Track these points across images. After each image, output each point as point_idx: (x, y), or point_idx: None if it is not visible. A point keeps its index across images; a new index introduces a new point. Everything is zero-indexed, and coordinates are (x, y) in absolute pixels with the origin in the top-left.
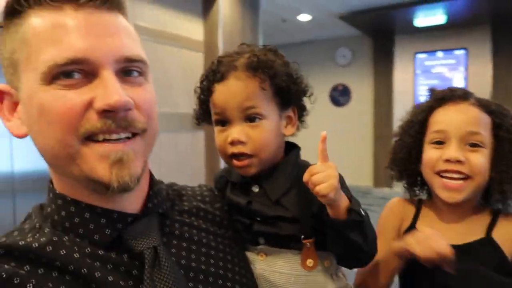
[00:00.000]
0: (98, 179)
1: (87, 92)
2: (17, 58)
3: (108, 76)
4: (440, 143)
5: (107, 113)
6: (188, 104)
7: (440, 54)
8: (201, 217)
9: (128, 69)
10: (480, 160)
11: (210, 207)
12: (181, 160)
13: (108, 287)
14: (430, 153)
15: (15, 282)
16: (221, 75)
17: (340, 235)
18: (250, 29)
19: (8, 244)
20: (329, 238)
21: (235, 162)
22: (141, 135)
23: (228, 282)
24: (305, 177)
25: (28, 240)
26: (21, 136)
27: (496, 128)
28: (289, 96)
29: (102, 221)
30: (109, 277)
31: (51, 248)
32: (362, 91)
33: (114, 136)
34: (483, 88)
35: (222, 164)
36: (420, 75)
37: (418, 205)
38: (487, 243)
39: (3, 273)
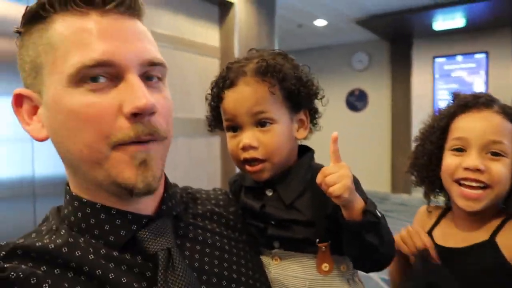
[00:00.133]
0: (124, 182)
1: (115, 96)
2: (41, 62)
3: (134, 79)
4: (460, 150)
5: (135, 117)
6: (204, 110)
7: (459, 58)
8: (215, 221)
9: (149, 74)
10: (500, 169)
11: (224, 211)
12: (196, 165)
13: None
14: (449, 160)
15: (32, 282)
16: (231, 82)
17: (356, 237)
18: (266, 35)
19: (25, 245)
20: (344, 240)
21: (248, 167)
22: (162, 140)
23: (241, 286)
24: (318, 179)
25: (45, 241)
26: (40, 140)
27: None
28: (300, 99)
29: (117, 222)
30: (123, 279)
31: (66, 250)
32: (379, 96)
33: (140, 139)
34: (505, 92)
35: (237, 169)
36: (439, 80)
37: (443, 213)
38: (488, 246)
39: (20, 273)
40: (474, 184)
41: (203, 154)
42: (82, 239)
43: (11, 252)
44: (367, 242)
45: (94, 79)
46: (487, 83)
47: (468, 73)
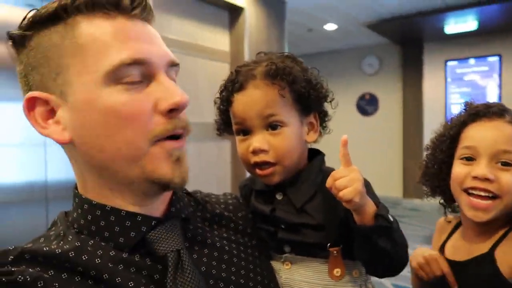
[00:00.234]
0: (159, 177)
1: (149, 95)
2: (65, 63)
3: (165, 78)
4: (470, 159)
5: (171, 112)
6: (214, 114)
7: (472, 61)
8: (224, 225)
9: (168, 74)
10: (510, 179)
11: (234, 216)
12: (206, 169)
13: None
14: (458, 169)
15: (39, 285)
16: (240, 85)
17: (368, 241)
18: (276, 40)
19: (33, 249)
20: (355, 244)
21: (258, 171)
22: (186, 137)
23: None
24: (328, 182)
25: (53, 246)
26: (64, 142)
27: None
28: (309, 102)
29: (127, 224)
30: (130, 283)
31: (73, 254)
32: (390, 100)
33: (177, 132)
34: None
35: (248, 173)
36: (451, 83)
37: (457, 225)
38: (486, 259)
39: (27, 276)
40: (482, 193)
41: (213, 158)
42: (92, 241)
43: (19, 256)
44: (379, 247)
45: (129, 78)
46: (500, 86)
47: (481, 76)
